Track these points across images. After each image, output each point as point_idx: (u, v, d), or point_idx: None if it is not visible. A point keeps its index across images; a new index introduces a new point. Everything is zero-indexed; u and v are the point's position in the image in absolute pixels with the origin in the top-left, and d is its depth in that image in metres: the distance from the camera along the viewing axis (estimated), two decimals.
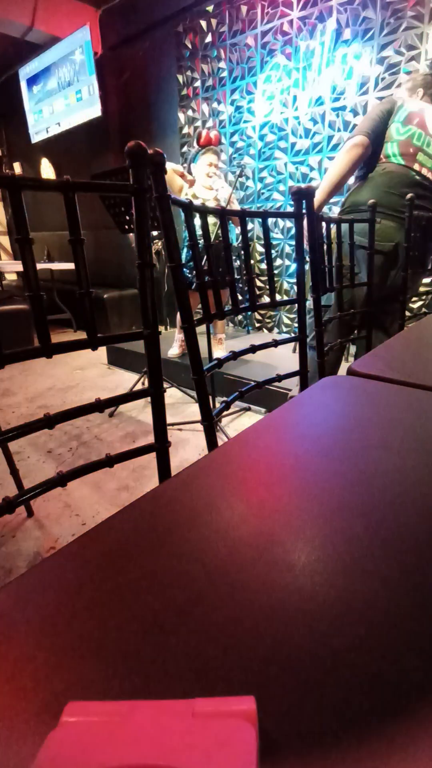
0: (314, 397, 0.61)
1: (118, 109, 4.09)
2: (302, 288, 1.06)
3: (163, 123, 3.77)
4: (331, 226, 1.22)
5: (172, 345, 2.77)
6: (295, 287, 1.10)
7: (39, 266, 0.62)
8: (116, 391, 2.70)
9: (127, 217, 2.10)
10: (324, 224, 1.17)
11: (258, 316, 3.58)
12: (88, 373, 3.08)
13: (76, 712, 0.19)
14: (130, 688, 0.22)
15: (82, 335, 0.61)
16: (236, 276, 2.93)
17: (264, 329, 3.59)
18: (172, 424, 2.17)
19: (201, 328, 1.18)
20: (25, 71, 4.56)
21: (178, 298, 0.76)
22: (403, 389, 0.62)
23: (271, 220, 3.26)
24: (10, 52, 4.45)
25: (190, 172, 2.54)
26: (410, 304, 2.59)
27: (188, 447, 1.97)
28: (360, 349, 1.75)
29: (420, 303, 2.64)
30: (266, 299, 1.00)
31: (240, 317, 3.68)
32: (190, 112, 3.55)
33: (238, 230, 2.82)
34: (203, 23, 3.23)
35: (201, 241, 0.94)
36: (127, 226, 2.14)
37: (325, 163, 2.86)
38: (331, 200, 1.60)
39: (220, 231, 0.88)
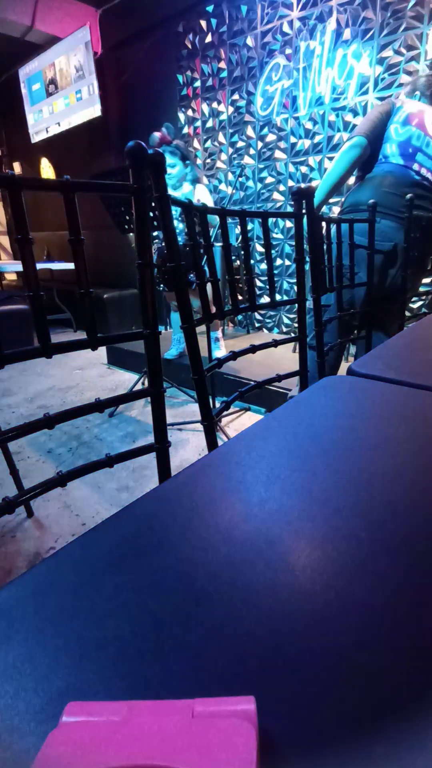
0: (314, 397, 0.61)
1: (118, 109, 4.09)
2: (302, 288, 1.06)
3: (163, 123, 3.76)
4: (331, 226, 1.22)
5: (171, 346, 2.77)
6: (295, 287, 1.10)
7: (39, 266, 0.62)
8: (116, 391, 2.70)
9: (127, 217, 2.10)
10: (324, 224, 1.18)
11: (258, 316, 3.58)
12: (88, 373, 3.08)
13: (76, 712, 0.19)
14: (130, 688, 0.22)
15: (82, 335, 0.61)
16: (236, 276, 2.91)
17: (264, 329, 3.59)
18: (172, 424, 2.17)
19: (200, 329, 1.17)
20: (25, 71, 4.56)
21: (178, 298, 0.76)
22: (403, 389, 0.62)
23: (271, 220, 3.26)
24: (10, 52, 4.45)
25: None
26: (410, 304, 2.59)
27: (188, 447, 1.97)
28: (360, 349, 1.75)
29: (420, 303, 2.64)
30: (266, 299, 1.00)
31: (240, 317, 3.68)
32: (190, 112, 3.55)
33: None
34: (203, 23, 3.23)
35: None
36: (127, 226, 2.14)
37: (325, 163, 2.86)
38: (331, 200, 1.60)
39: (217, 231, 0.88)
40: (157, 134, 2.27)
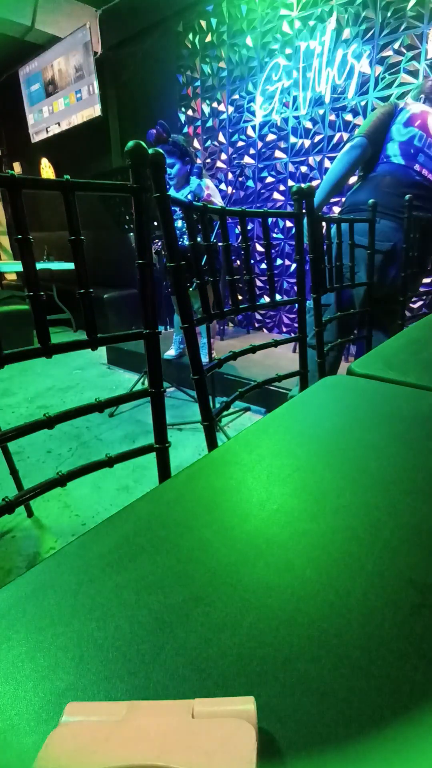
0: (314, 397, 0.61)
1: (118, 109, 4.09)
2: (302, 288, 1.06)
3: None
4: (331, 225, 1.22)
5: (171, 346, 2.77)
6: (295, 287, 1.10)
7: (39, 266, 0.62)
8: (116, 391, 2.70)
9: (127, 217, 2.10)
10: (324, 224, 1.18)
11: (258, 316, 3.58)
12: (88, 373, 3.08)
13: (76, 712, 0.19)
14: (130, 688, 0.22)
15: (82, 335, 0.61)
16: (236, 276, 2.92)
17: (264, 329, 3.59)
18: (172, 424, 2.17)
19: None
20: (25, 71, 4.56)
21: (178, 298, 0.76)
22: (403, 389, 0.62)
23: (271, 220, 3.26)
24: (10, 52, 4.45)
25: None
26: (410, 304, 2.59)
27: (188, 447, 1.96)
28: (360, 349, 1.75)
29: (420, 303, 2.64)
30: (266, 299, 1.00)
31: (240, 317, 3.68)
32: (190, 112, 3.55)
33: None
34: (203, 23, 3.23)
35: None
36: (127, 226, 2.14)
37: (326, 163, 2.86)
38: (331, 200, 1.60)
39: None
40: (152, 132, 2.21)
